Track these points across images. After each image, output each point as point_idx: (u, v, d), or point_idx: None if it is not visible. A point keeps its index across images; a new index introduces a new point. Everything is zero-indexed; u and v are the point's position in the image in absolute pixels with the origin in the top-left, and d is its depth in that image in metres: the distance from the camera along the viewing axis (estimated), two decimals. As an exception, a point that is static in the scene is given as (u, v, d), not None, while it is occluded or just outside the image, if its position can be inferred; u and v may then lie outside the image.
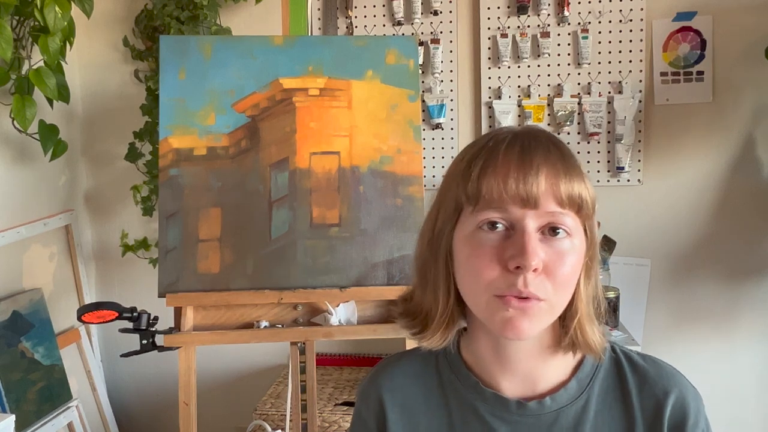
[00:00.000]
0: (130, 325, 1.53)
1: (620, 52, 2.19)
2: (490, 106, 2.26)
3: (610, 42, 2.19)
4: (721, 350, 2.23)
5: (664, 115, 2.19)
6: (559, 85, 2.23)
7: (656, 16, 2.17)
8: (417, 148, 1.69)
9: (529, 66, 2.24)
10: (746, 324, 2.21)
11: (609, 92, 2.20)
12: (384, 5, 2.28)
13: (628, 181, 2.21)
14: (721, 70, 2.15)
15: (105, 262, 2.55)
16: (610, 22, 2.18)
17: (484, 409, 0.79)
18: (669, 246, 2.23)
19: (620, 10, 2.17)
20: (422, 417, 0.83)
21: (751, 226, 2.17)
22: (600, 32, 2.19)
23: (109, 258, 2.54)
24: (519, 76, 2.25)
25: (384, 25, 2.29)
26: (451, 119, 2.29)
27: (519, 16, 2.22)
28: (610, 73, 2.20)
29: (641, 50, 2.18)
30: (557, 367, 0.80)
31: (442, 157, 2.30)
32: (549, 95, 2.24)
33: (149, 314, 1.55)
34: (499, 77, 2.25)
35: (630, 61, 2.18)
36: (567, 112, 2.21)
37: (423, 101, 2.26)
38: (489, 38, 2.25)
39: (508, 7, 2.23)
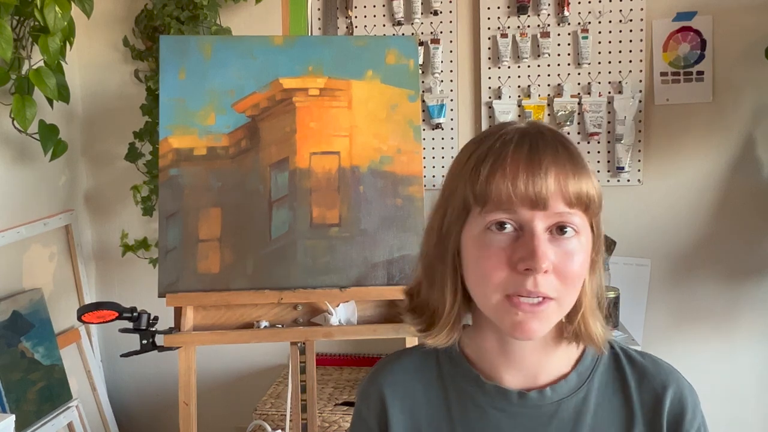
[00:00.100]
0: (130, 325, 1.53)
1: (620, 52, 2.19)
2: (490, 106, 2.26)
3: (610, 42, 2.19)
4: (721, 350, 2.23)
5: (664, 115, 2.19)
6: (559, 85, 2.23)
7: (656, 16, 2.17)
8: (417, 148, 1.68)
9: (529, 66, 2.24)
10: (746, 324, 2.21)
11: (609, 92, 2.20)
12: (384, 5, 2.28)
13: (628, 181, 2.21)
14: (721, 70, 2.15)
15: (105, 262, 2.55)
16: (610, 22, 2.18)
17: (485, 401, 0.80)
18: (669, 246, 2.22)
19: (620, 10, 2.17)
20: (423, 410, 0.83)
21: (751, 226, 2.17)
22: (600, 32, 2.19)
23: (109, 258, 2.54)
24: (519, 76, 2.25)
25: (384, 25, 2.29)
26: (451, 119, 2.29)
27: (519, 16, 2.22)
28: (610, 73, 2.20)
29: (641, 50, 2.18)
30: (559, 360, 0.81)
31: (442, 157, 2.30)
32: (549, 95, 2.24)
33: (149, 314, 1.55)
34: (499, 77, 2.25)
35: (630, 61, 2.18)
36: (567, 112, 2.21)
37: (423, 101, 2.25)
38: (489, 38, 2.25)
39: (508, 7, 2.23)
